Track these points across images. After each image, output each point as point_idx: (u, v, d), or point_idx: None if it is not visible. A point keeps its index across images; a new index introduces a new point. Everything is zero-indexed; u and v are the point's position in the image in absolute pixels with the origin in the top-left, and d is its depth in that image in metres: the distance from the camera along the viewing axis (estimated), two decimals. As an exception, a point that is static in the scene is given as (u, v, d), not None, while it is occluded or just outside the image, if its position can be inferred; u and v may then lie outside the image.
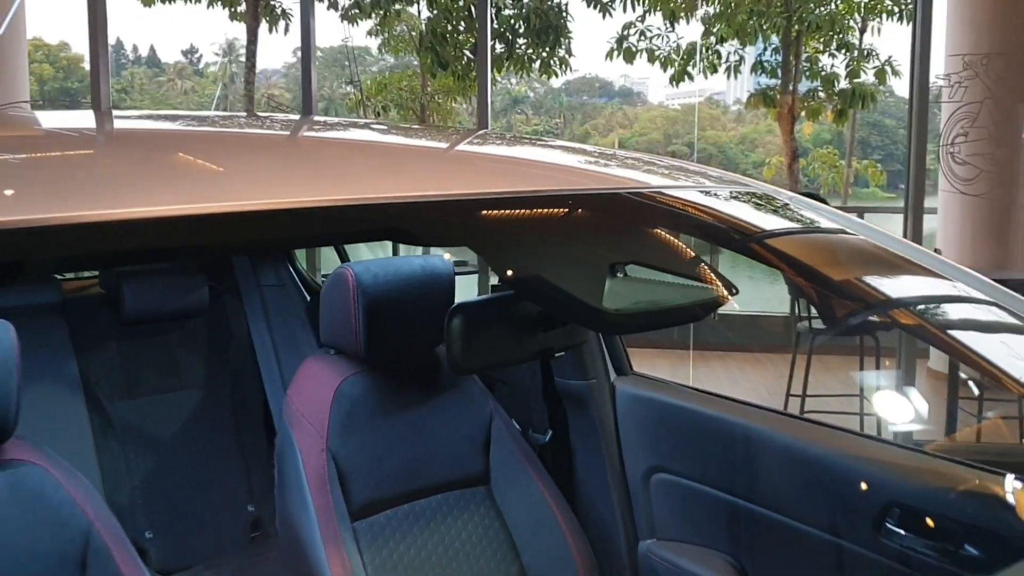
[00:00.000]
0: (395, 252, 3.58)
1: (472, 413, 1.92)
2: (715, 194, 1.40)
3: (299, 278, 2.84)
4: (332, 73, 43.50)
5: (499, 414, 1.94)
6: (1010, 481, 1.44)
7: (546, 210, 1.20)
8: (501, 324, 1.75)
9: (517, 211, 1.16)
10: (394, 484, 1.80)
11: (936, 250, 5.97)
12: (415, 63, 19.37)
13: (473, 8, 15.52)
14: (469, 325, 1.66)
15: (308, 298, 2.84)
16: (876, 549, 1.52)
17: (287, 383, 2.62)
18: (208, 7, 15.86)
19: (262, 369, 2.59)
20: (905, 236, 5.74)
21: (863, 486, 1.54)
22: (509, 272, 1.55)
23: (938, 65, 6.30)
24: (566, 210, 1.24)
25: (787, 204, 1.48)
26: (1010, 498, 1.47)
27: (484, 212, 1.12)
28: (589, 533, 1.91)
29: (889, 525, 1.50)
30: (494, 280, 3.83)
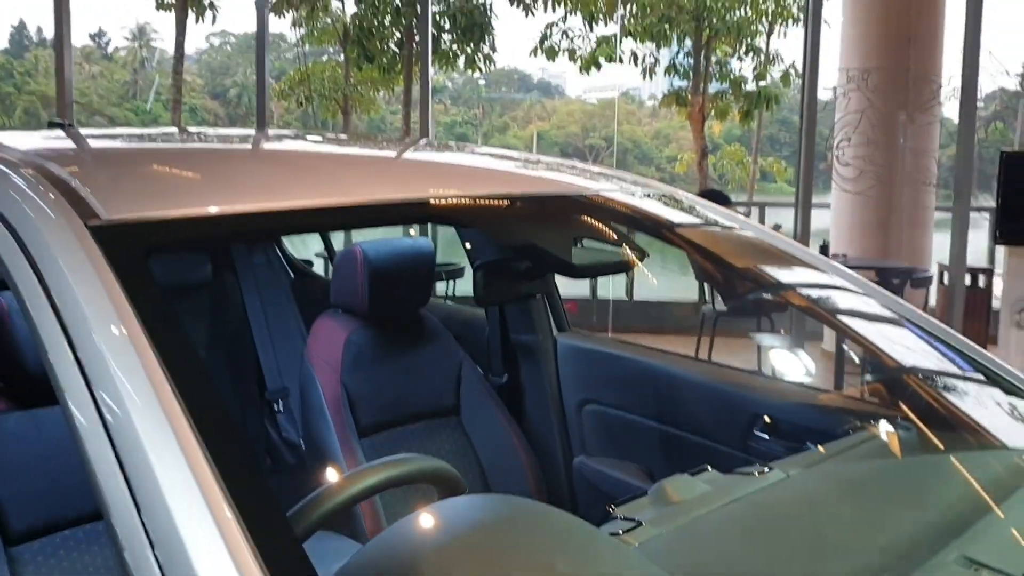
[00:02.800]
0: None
1: (447, 359, 2.43)
2: (638, 196, 1.92)
3: (285, 259, 3.31)
4: (246, 60, 42.58)
5: (467, 361, 2.47)
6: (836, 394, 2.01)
7: (513, 207, 1.71)
8: (503, 275, 2.33)
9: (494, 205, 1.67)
10: (389, 411, 2.30)
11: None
12: (331, 52, 19.62)
13: (399, 3, 15.93)
14: (488, 276, 2.24)
15: (292, 276, 3.31)
16: (745, 450, 2.09)
17: (276, 346, 3.11)
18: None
19: (255, 334, 3.05)
20: (795, 229, 6.44)
21: (737, 404, 2.11)
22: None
23: (831, 77, 7.05)
24: (528, 208, 1.76)
25: (693, 206, 2.00)
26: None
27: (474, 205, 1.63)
28: (536, 453, 2.44)
29: (756, 432, 2.08)
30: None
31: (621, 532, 1.17)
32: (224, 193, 1.26)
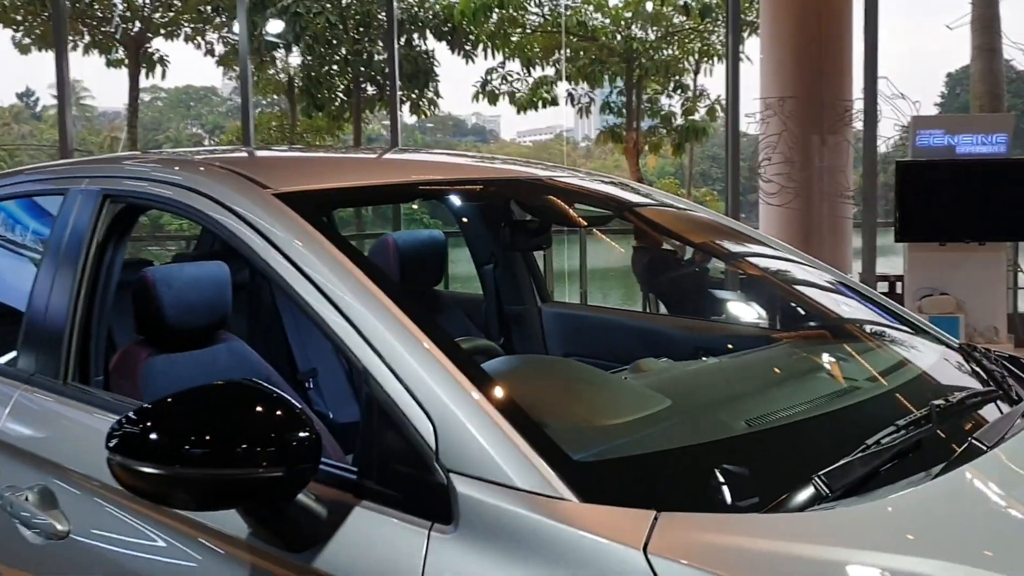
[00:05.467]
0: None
1: (455, 324, 3.05)
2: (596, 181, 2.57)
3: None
4: (177, 114, 42.35)
5: (472, 327, 3.09)
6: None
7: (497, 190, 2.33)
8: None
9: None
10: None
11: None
12: (267, 103, 20.19)
13: (347, 54, 16.64)
14: (515, 236, 2.92)
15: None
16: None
17: (302, 333, 3.70)
18: (84, 54, 16.34)
19: (285, 324, 3.64)
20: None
21: (682, 341, 2.75)
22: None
23: (753, 106, 7.89)
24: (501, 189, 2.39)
25: (638, 189, 2.66)
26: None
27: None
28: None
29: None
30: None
31: None
32: (322, 176, 1.94)
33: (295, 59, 18.17)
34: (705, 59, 17.53)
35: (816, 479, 1.19)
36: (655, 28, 16.88)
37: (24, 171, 2.70)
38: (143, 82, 16.76)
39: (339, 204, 2.29)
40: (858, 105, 7.00)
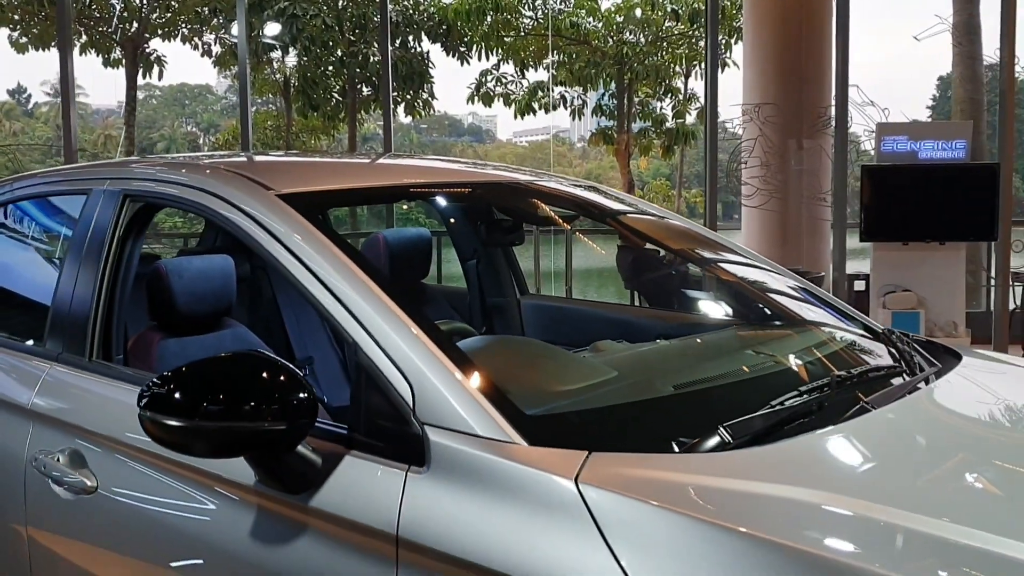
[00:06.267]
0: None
1: (440, 313, 3.32)
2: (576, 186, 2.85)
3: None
4: (172, 112, 42.30)
5: (455, 316, 3.36)
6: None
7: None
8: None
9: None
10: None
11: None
12: (262, 102, 20.39)
13: (343, 56, 16.92)
14: (491, 234, 3.22)
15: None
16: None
17: (300, 323, 3.96)
18: (81, 54, 16.57)
19: (283, 314, 3.90)
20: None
21: (643, 328, 3.03)
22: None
23: (737, 111, 8.17)
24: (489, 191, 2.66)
25: (608, 194, 2.94)
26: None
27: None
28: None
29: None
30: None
31: None
32: (319, 179, 2.21)
33: (290, 60, 18.45)
34: (694, 63, 17.85)
35: (721, 428, 1.46)
36: (645, 33, 17.18)
37: (46, 173, 2.96)
38: (138, 80, 17.06)
39: (334, 204, 2.55)
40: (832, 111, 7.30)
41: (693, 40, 16.88)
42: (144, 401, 1.52)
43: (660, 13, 16.69)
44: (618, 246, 3.33)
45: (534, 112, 17.09)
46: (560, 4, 16.82)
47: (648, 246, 3.10)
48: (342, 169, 2.58)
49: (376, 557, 1.44)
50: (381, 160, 2.92)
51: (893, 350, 2.11)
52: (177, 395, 1.51)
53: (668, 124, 17.63)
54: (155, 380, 1.54)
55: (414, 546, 1.40)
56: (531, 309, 3.42)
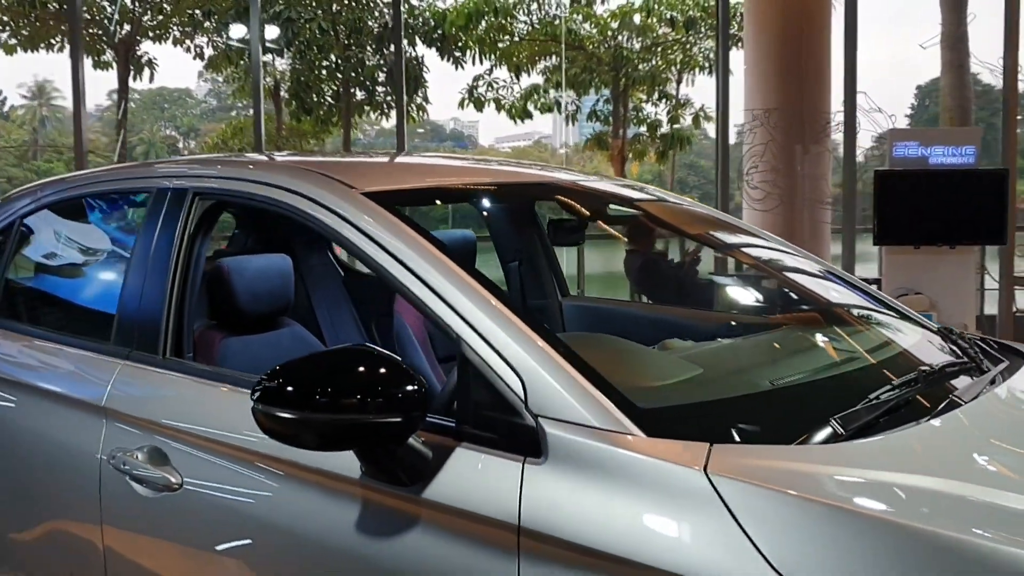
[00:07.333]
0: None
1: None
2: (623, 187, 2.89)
3: (336, 261, 4.19)
4: (151, 116, 41.86)
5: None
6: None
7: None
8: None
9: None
10: (450, 347, 3.19)
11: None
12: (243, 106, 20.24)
13: (337, 60, 16.92)
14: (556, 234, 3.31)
15: (343, 273, 4.19)
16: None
17: (334, 323, 3.97)
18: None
19: (317, 315, 3.92)
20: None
21: (692, 331, 3.08)
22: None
23: (739, 116, 8.25)
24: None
25: (648, 189, 2.97)
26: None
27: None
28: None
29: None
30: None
31: None
32: (395, 179, 2.24)
33: (280, 63, 18.42)
34: (687, 70, 17.96)
35: (833, 421, 1.50)
36: (640, 39, 17.29)
37: (98, 172, 2.96)
38: (115, 84, 16.94)
39: (415, 203, 2.58)
40: (838, 118, 7.39)
41: (688, 46, 17.01)
42: (257, 394, 1.54)
43: (656, 19, 16.80)
44: (628, 249, 3.36)
45: (531, 116, 17.15)
46: (556, 10, 16.90)
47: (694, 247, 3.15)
48: (409, 168, 2.61)
49: (496, 547, 1.47)
50: (449, 161, 2.95)
51: (955, 346, 2.16)
52: (289, 388, 1.52)
53: (663, 129, 17.73)
54: (266, 374, 1.55)
55: (536, 535, 1.43)
56: (573, 311, 3.46)
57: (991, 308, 7.24)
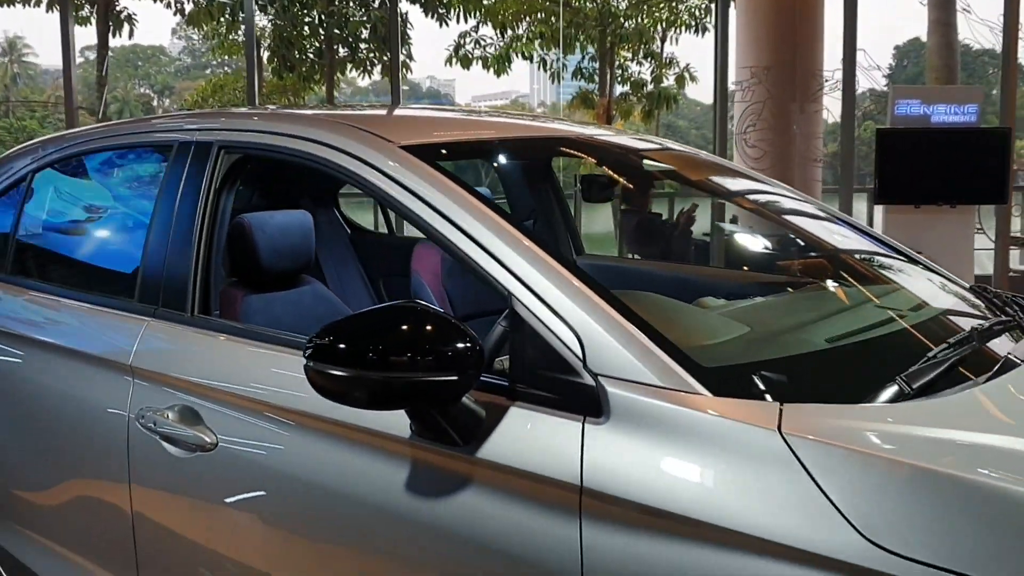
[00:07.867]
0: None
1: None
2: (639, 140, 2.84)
3: (342, 218, 4.13)
4: (124, 74, 41.20)
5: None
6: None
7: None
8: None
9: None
10: (473, 305, 3.15)
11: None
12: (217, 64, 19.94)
13: (321, 16, 16.63)
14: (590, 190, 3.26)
15: (349, 231, 4.13)
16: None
17: (342, 281, 3.92)
18: (47, 11, 16.04)
19: (325, 274, 3.86)
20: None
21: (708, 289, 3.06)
22: None
23: (732, 73, 8.18)
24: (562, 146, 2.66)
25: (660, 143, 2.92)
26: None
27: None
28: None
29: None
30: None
31: None
32: (431, 131, 2.19)
33: (259, 20, 18.08)
34: (672, 28, 17.80)
35: (899, 379, 1.49)
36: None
37: (118, 124, 2.88)
38: (87, 40, 16.55)
39: (456, 156, 2.53)
40: (834, 76, 7.34)
41: (673, 3, 16.83)
42: (308, 351, 1.50)
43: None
44: (623, 209, 3.32)
45: (510, 63, 16.83)
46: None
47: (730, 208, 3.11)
48: (440, 122, 2.54)
49: (557, 507, 1.44)
50: (482, 116, 2.88)
51: (992, 304, 2.15)
52: (342, 346, 1.48)
53: (648, 88, 17.60)
54: (317, 332, 1.51)
55: (600, 495, 1.41)
56: (588, 269, 3.42)
57: (980, 269, 7.29)
